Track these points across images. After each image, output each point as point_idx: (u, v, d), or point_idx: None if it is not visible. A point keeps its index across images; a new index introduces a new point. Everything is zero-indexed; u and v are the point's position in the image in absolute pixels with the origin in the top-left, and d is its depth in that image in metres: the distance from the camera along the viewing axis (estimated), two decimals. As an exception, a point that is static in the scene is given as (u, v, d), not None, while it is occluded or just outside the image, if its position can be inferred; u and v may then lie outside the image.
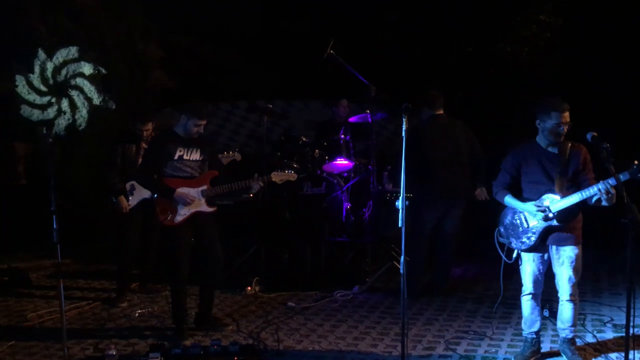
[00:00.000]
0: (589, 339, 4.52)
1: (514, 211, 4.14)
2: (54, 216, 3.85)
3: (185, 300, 4.85)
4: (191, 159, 4.71)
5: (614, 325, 4.80)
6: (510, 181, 4.16)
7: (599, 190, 3.70)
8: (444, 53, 8.57)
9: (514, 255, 4.18)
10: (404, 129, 3.65)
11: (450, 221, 5.65)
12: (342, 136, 6.82)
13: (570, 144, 4.00)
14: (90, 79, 8.05)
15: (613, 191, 3.69)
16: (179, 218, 4.64)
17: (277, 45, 9.27)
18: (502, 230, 4.24)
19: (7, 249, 7.42)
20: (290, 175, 4.95)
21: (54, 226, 3.84)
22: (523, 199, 4.08)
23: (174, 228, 4.66)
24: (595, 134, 3.63)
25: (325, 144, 6.87)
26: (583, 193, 3.83)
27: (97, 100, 8.01)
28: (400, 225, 3.58)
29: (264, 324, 5.07)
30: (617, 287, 5.81)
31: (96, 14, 8.17)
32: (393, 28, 8.81)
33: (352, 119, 6.91)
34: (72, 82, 8.06)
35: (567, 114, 3.91)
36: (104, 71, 8.05)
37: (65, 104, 8.04)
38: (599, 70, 7.82)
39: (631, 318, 3.41)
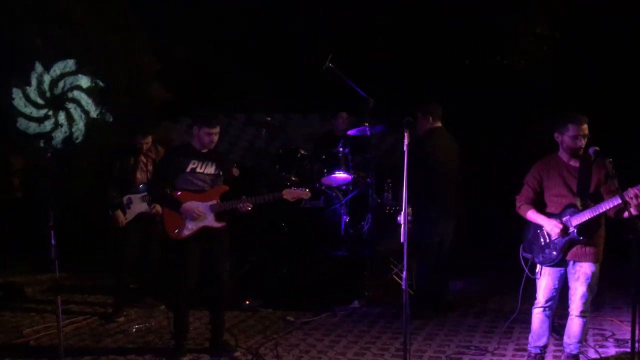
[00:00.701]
0: (592, 354, 4.48)
1: (536, 226, 4.10)
2: (52, 232, 3.79)
3: (186, 316, 4.77)
4: (205, 172, 4.63)
5: (616, 340, 4.77)
6: (533, 195, 4.12)
7: (629, 197, 3.64)
8: (441, 65, 8.57)
9: (537, 270, 4.14)
10: (405, 143, 3.64)
11: (449, 236, 5.61)
12: (341, 149, 6.80)
13: (593, 157, 3.96)
14: (88, 91, 8.03)
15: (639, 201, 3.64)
16: (186, 232, 4.58)
17: (275, 58, 9.27)
18: (526, 245, 4.21)
19: (2, 263, 7.34)
20: (303, 192, 4.74)
21: (52, 242, 3.79)
22: (547, 214, 4.06)
23: (182, 242, 4.60)
24: (597, 148, 3.63)
25: (323, 157, 6.85)
26: (602, 206, 3.80)
27: (94, 113, 7.98)
28: (402, 240, 3.56)
29: (263, 339, 5.01)
30: (617, 301, 5.78)
31: (93, 27, 8.16)
32: (390, 40, 8.82)
33: (350, 132, 6.89)
34: (69, 95, 8.03)
35: (584, 126, 3.92)
36: (101, 84, 8.03)
37: (62, 117, 8.01)
38: (596, 82, 7.85)
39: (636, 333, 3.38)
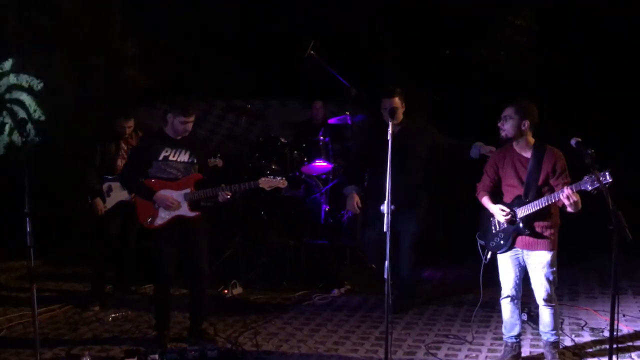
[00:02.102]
0: (568, 342, 4.55)
1: (490, 214, 4.17)
2: (27, 219, 3.70)
3: (168, 305, 4.71)
4: (178, 160, 4.56)
5: (591, 329, 4.84)
6: (490, 184, 4.18)
7: (562, 196, 3.72)
8: (421, 55, 8.57)
9: (488, 256, 4.21)
10: (389, 132, 3.62)
11: (406, 233, 5.37)
12: (321, 138, 6.77)
13: (545, 148, 4.00)
14: (28, 91, 7.80)
15: (575, 197, 3.70)
16: (159, 221, 4.51)
17: (255, 44, 9.17)
18: (480, 232, 4.29)
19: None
20: (279, 182, 4.70)
21: (28, 229, 3.69)
22: (503, 203, 4.09)
23: (157, 231, 4.52)
24: (579, 139, 3.63)
25: (304, 145, 6.82)
26: (545, 199, 3.84)
27: (35, 113, 7.77)
28: (385, 229, 3.54)
29: (242, 328, 4.98)
30: (593, 290, 5.87)
31: (72, 10, 7.95)
32: (372, 29, 8.79)
33: (331, 120, 6.86)
34: (8, 96, 7.81)
35: (505, 109, 3.99)
36: (40, 84, 7.77)
37: (7, 118, 7.82)
38: (577, 74, 7.92)
39: (611, 324, 3.42)
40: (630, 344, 4.48)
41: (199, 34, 9.23)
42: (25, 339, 4.73)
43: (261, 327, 5.02)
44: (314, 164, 6.72)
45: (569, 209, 3.78)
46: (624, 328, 4.76)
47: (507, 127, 3.99)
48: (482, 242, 4.25)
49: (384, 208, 3.58)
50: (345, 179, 5.57)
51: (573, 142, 3.69)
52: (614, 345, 3.50)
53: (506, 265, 4.14)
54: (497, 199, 4.14)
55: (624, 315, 4.98)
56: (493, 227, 4.16)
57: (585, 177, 3.60)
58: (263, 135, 6.98)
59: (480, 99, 8.28)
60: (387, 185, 3.59)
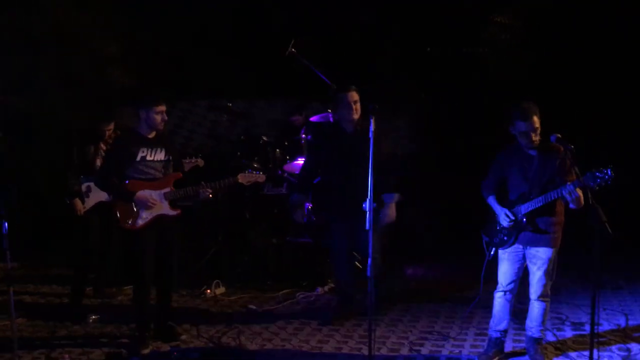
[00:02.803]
0: (550, 337, 4.58)
1: (494, 211, 4.22)
2: (3, 220, 3.63)
3: (148, 306, 4.65)
4: (155, 159, 4.52)
5: (573, 323, 4.88)
6: (495, 183, 4.21)
7: (564, 193, 3.75)
8: (408, 54, 8.58)
9: (492, 252, 4.25)
10: (371, 130, 3.61)
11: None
12: (303, 136, 6.74)
13: (550, 146, 4.00)
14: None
15: (577, 193, 3.73)
16: (140, 222, 4.47)
17: (240, 42, 9.10)
18: (486, 228, 4.31)
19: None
20: (258, 176, 4.72)
21: (3, 231, 3.62)
22: (509, 200, 4.14)
23: (137, 232, 4.48)
24: (559, 135, 3.67)
25: (286, 143, 6.78)
26: (547, 196, 3.88)
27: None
28: (367, 227, 3.53)
29: (225, 328, 4.95)
30: (573, 285, 5.91)
31: (56, 9, 7.82)
32: (355, 27, 8.77)
33: (313, 118, 6.83)
34: None
35: (534, 119, 3.92)
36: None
37: None
38: (563, 71, 7.98)
39: (590, 318, 3.46)
40: (610, 337, 4.52)
41: (184, 32, 9.14)
42: (3, 342, 4.63)
43: (244, 326, 4.99)
44: (296, 162, 6.69)
45: (572, 205, 3.80)
46: (605, 322, 4.81)
47: (536, 136, 3.97)
48: (487, 239, 4.29)
49: (366, 205, 3.57)
50: (297, 187, 5.37)
51: (553, 138, 3.72)
52: (595, 340, 3.53)
53: (506, 261, 4.18)
54: (502, 196, 4.18)
55: (604, 309, 5.03)
56: (497, 224, 4.18)
57: (588, 174, 3.63)
58: (245, 134, 6.93)
59: (466, 97, 8.32)
60: (370, 182, 3.58)
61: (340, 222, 4.96)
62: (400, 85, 6.40)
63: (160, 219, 4.51)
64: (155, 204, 4.45)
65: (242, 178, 4.66)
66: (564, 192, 3.77)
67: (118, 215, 4.49)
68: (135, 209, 4.45)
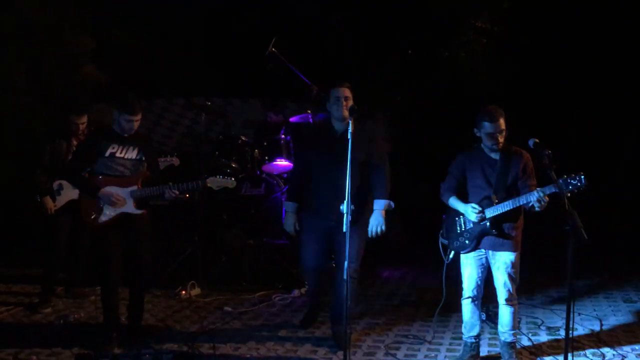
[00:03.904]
0: (525, 341, 4.59)
1: (456, 213, 4.18)
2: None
3: (116, 306, 4.56)
4: (126, 157, 4.44)
5: (548, 328, 4.90)
6: (456, 184, 4.17)
7: (534, 199, 3.76)
8: (385, 55, 8.59)
9: (450, 256, 4.22)
10: (349, 130, 3.58)
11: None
12: (283, 136, 6.69)
13: (513, 150, 4.03)
14: None
15: (546, 200, 3.75)
16: (103, 218, 4.38)
17: (216, 41, 9.03)
18: (444, 231, 4.28)
19: None
20: (228, 182, 4.60)
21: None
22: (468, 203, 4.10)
23: (101, 229, 4.40)
24: (537, 140, 3.67)
25: (265, 143, 6.72)
26: (516, 200, 3.87)
27: None
28: (344, 230, 3.50)
29: (199, 330, 4.87)
30: (548, 289, 5.95)
31: (25, 2, 7.65)
32: (336, 28, 8.76)
33: (293, 119, 6.79)
34: None
35: (500, 122, 3.93)
36: None
37: None
38: (537, 75, 8.05)
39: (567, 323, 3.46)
40: (585, 342, 4.55)
41: (160, 29, 9.04)
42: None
43: (219, 328, 4.93)
44: (274, 162, 6.64)
45: (537, 209, 3.81)
46: (579, 327, 4.84)
47: (502, 138, 3.97)
48: (445, 242, 4.25)
49: (344, 207, 3.54)
50: (288, 193, 4.98)
51: (531, 142, 3.73)
52: (570, 344, 3.54)
53: (469, 266, 4.16)
54: (461, 199, 4.13)
55: (579, 314, 5.07)
56: (458, 227, 4.15)
57: (561, 180, 3.61)
58: (223, 133, 6.86)
59: (443, 100, 8.35)
60: (347, 184, 3.54)
61: (312, 230, 4.59)
62: (375, 87, 6.38)
63: (124, 217, 4.42)
64: (119, 200, 4.36)
65: (212, 182, 4.55)
66: (532, 198, 3.77)
67: (82, 209, 4.41)
68: (99, 205, 4.36)
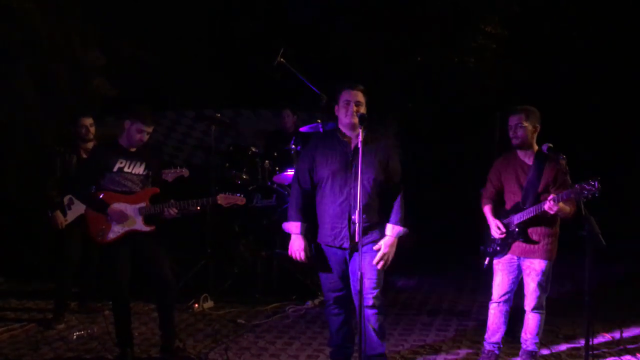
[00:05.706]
0: (544, 350, 4.50)
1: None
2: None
3: (128, 322, 4.51)
4: (133, 172, 4.40)
5: (566, 336, 4.81)
6: (493, 190, 4.17)
7: (544, 206, 3.74)
8: (395, 62, 8.57)
9: (486, 262, 4.21)
10: (359, 140, 3.53)
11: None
12: (293, 146, 6.66)
13: (549, 157, 3.95)
14: None
15: (556, 208, 3.72)
16: (111, 235, 4.33)
17: (226, 53, 9.06)
18: (484, 236, 4.26)
19: None
20: (238, 199, 4.59)
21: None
22: (504, 210, 4.11)
23: (110, 245, 4.35)
24: (550, 145, 3.63)
25: (275, 154, 6.69)
26: (538, 207, 3.84)
27: None
28: (357, 240, 3.45)
29: (212, 344, 4.83)
30: (564, 296, 5.85)
31: (34, 16, 7.70)
32: (344, 36, 8.76)
33: (303, 129, 6.76)
34: None
35: (516, 117, 3.96)
36: None
37: None
38: (547, 79, 8.00)
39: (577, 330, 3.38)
40: (605, 350, 4.46)
41: (169, 42, 9.09)
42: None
43: (232, 341, 4.88)
44: (285, 173, 6.60)
45: (560, 216, 3.83)
46: (599, 335, 4.74)
47: (520, 134, 3.95)
48: (483, 248, 4.26)
49: (355, 218, 3.49)
50: (290, 208, 4.10)
51: (544, 147, 3.68)
52: (589, 352, 3.47)
53: (500, 272, 4.13)
54: (500, 206, 4.15)
55: (598, 321, 4.96)
56: (491, 234, 4.15)
57: (576, 186, 3.59)
58: (233, 144, 6.85)
59: (452, 105, 8.31)
60: (358, 196, 3.47)
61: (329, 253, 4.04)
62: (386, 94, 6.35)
63: (133, 234, 4.37)
64: (128, 218, 4.32)
65: (222, 199, 4.54)
66: (545, 206, 3.76)
67: (89, 226, 4.37)
68: (107, 221, 4.33)
